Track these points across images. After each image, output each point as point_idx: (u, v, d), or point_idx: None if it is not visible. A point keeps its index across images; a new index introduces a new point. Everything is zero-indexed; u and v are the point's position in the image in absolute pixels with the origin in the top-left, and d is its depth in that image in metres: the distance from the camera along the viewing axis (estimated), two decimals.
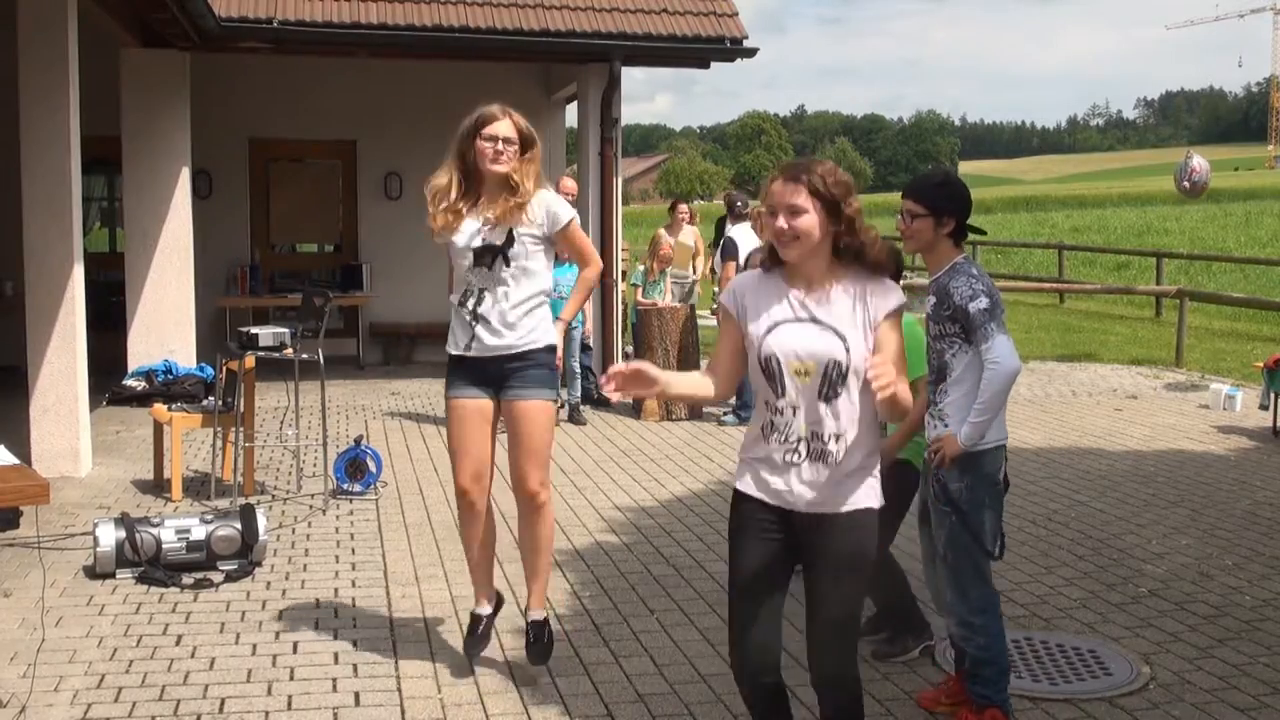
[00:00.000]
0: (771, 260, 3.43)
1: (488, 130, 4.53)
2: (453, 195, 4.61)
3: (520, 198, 4.58)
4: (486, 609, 4.89)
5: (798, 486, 3.35)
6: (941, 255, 4.26)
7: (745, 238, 10.01)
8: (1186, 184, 9.58)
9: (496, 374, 4.63)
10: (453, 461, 4.75)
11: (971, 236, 4.38)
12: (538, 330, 4.65)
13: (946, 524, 4.26)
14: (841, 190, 3.30)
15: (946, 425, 4.23)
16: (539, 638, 4.78)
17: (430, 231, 4.66)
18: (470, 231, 4.59)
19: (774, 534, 3.40)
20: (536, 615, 4.82)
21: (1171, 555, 6.53)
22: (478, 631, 4.84)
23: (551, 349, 4.71)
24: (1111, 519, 7.26)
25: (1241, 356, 14.46)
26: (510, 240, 4.58)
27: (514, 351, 4.60)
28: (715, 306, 8.37)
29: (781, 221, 3.29)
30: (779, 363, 3.32)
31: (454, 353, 4.69)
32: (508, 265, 4.59)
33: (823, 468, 3.34)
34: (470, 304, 4.61)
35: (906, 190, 4.29)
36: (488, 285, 4.60)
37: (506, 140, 4.54)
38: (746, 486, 3.43)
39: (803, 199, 3.27)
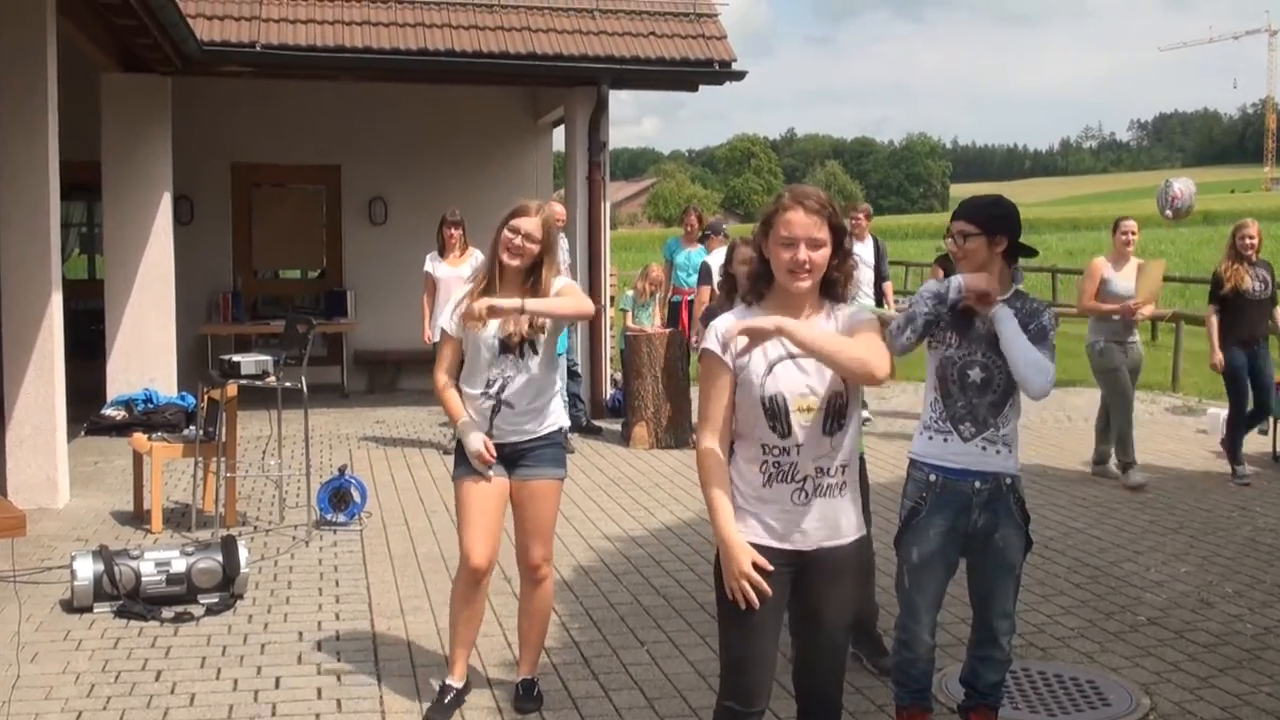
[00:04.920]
0: (753, 294, 3.33)
1: (515, 222, 4.54)
2: (480, 288, 4.59)
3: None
4: (459, 683, 4.78)
5: (807, 524, 3.26)
6: (1001, 276, 4.24)
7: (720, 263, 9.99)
8: (1169, 212, 9.49)
9: (511, 454, 4.64)
10: (467, 538, 4.64)
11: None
12: (556, 414, 4.71)
13: (1023, 544, 4.23)
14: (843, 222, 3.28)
15: (1011, 450, 4.19)
16: (529, 694, 4.78)
17: (461, 325, 4.58)
18: (495, 322, 4.55)
19: (780, 576, 3.26)
20: (528, 676, 4.83)
21: (1170, 583, 6.45)
22: (445, 702, 4.70)
23: (563, 430, 4.78)
24: (1109, 546, 7.19)
25: None
26: (538, 328, 4.58)
27: (534, 437, 4.63)
28: (696, 347, 8.19)
29: (804, 254, 3.18)
30: (784, 401, 3.21)
31: None
32: (536, 353, 4.59)
33: (828, 502, 3.28)
34: (494, 391, 4.57)
35: (958, 212, 4.29)
36: (513, 374, 4.57)
37: (528, 236, 4.52)
38: (745, 534, 3.25)
39: (824, 232, 3.20)
